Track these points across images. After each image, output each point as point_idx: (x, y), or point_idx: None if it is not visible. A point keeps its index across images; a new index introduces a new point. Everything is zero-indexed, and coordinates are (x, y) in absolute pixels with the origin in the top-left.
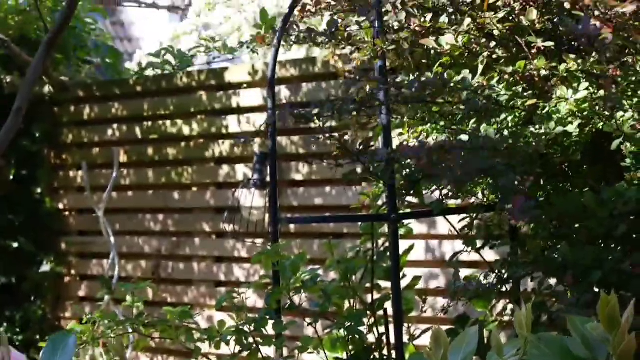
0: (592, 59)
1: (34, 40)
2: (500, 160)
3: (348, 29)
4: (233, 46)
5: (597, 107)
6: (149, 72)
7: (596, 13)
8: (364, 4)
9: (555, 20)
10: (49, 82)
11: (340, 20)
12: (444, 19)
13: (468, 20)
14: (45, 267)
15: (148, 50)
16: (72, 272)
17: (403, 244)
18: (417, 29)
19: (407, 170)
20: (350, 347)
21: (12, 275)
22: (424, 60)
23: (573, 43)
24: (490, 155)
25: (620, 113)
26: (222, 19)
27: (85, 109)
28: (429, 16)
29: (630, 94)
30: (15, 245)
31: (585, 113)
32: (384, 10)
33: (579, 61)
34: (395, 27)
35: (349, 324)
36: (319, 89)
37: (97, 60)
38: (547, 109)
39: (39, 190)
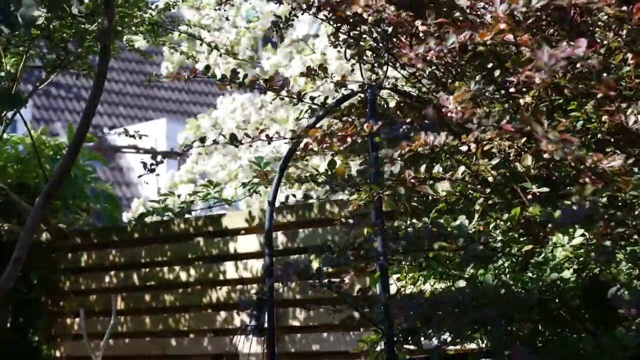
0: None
1: (32, 187)
2: (496, 308)
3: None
4: (230, 194)
5: (593, 254)
6: (149, 219)
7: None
8: (362, 149)
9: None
10: (47, 229)
11: (339, 162)
12: (438, 168)
13: (462, 168)
14: None
15: (146, 196)
16: None
17: None
18: (412, 180)
19: (405, 319)
20: None
21: None
22: (420, 206)
23: (569, 188)
24: (485, 304)
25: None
26: (218, 167)
27: (83, 255)
28: (423, 166)
29: (623, 244)
30: None
31: (581, 259)
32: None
33: None
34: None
35: None
36: (316, 235)
37: (95, 205)
38: (543, 255)
39: (36, 338)
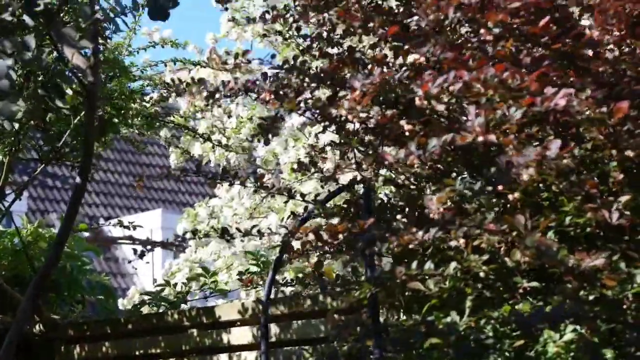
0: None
1: (27, 280)
2: None
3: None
4: (225, 283)
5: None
6: (145, 309)
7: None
8: (351, 250)
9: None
10: (40, 320)
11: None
12: (429, 264)
13: (454, 264)
14: None
15: (142, 286)
16: None
17: None
18: (403, 277)
19: None
20: None
21: None
22: (413, 301)
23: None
24: None
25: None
26: (214, 255)
27: (76, 348)
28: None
29: (613, 340)
30: None
31: (573, 354)
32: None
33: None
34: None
35: None
36: (310, 326)
37: (89, 297)
38: (535, 350)
39: None
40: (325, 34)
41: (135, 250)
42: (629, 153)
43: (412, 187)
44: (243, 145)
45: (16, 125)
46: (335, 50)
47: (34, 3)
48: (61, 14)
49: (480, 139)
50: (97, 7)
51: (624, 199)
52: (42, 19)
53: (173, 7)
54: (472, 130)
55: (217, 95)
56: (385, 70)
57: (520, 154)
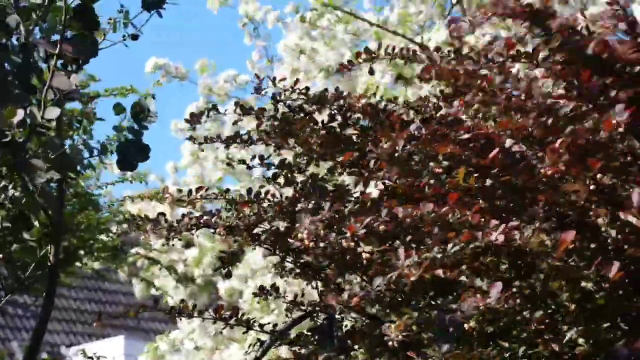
0: None
1: None
2: None
3: None
4: None
5: None
6: None
7: None
8: None
9: None
10: None
11: None
12: None
13: None
14: None
15: None
16: None
17: None
18: None
19: None
20: None
21: None
22: None
23: None
24: None
25: None
26: None
27: None
28: None
29: None
30: None
31: None
32: None
33: None
34: None
35: None
36: None
37: None
38: None
39: None
40: (290, 161)
41: None
42: (584, 284)
43: (371, 314)
44: (205, 277)
45: None
46: (301, 178)
47: (2, 134)
48: (27, 145)
49: (412, 278)
50: (66, 142)
51: (579, 329)
52: (9, 149)
53: (142, 161)
54: (402, 269)
55: (173, 232)
56: (334, 205)
57: (466, 299)
